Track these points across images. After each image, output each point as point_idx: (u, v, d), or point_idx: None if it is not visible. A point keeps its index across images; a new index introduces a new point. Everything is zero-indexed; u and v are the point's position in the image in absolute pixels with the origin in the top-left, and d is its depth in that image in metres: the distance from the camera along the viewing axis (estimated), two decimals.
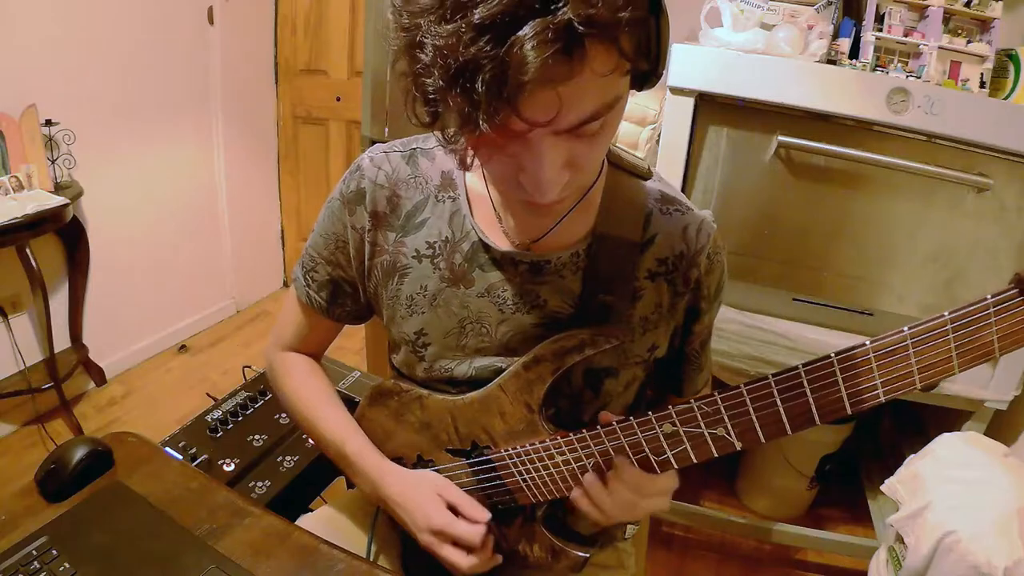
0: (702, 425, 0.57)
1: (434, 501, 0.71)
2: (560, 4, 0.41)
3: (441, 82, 0.44)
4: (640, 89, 0.53)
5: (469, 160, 0.55)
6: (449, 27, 0.42)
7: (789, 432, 0.55)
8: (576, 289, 0.68)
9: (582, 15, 0.41)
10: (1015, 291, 0.45)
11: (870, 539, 1.66)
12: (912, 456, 1.30)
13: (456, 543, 0.70)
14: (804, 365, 0.52)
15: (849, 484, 1.95)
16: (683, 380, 0.79)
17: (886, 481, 1.30)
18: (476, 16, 0.41)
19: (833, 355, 0.51)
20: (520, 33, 0.41)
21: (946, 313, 0.47)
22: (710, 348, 0.80)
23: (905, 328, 0.48)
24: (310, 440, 1.15)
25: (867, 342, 0.50)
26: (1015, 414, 1.40)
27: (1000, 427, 1.42)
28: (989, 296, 0.46)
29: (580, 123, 0.48)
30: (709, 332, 0.78)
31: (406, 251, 0.70)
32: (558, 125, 0.47)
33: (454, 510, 0.71)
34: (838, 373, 0.51)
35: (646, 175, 0.70)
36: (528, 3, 0.41)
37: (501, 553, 0.77)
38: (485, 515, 0.71)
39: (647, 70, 0.50)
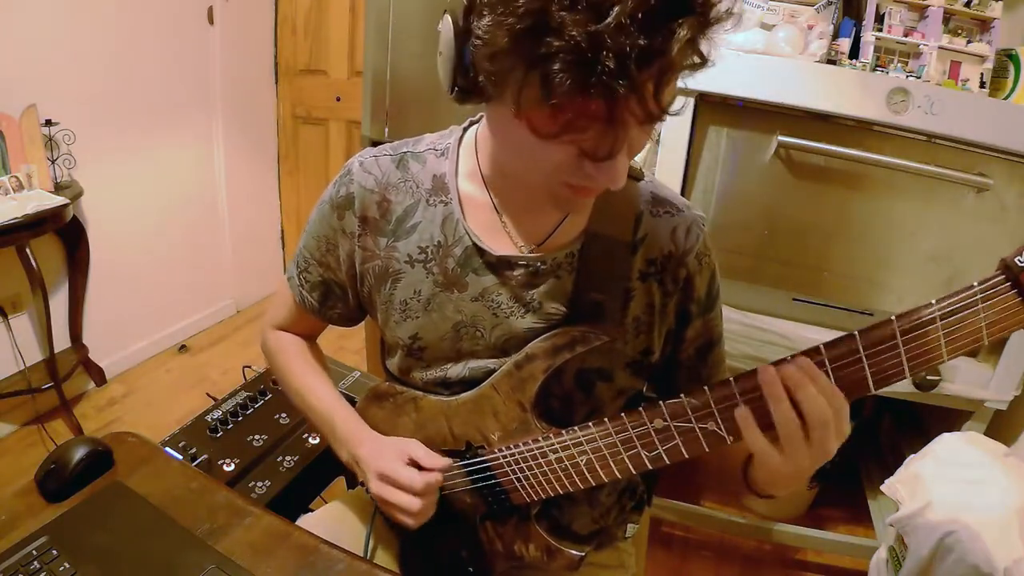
0: (692, 420, 0.57)
1: (394, 453, 0.71)
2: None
3: (577, 69, 0.43)
4: None
5: (606, 151, 0.50)
6: (593, 13, 0.42)
7: None
8: (570, 289, 0.68)
9: (721, 12, 0.45)
10: (1001, 277, 0.45)
11: (870, 539, 1.66)
12: (912, 456, 1.30)
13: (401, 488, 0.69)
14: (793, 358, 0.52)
15: (849, 484, 1.95)
16: (680, 391, 0.77)
17: (886, 481, 1.30)
18: (623, 5, 0.42)
19: (822, 346, 0.51)
20: (677, 27, 0.43)
21: (934, 301, 0.47)
22: (721, 359, 0.76)
23: (894, 318, 0.48)
24: (310, 440, 1.16)
25: (856, 333, 0.49)
26: (1015, 414, 1.39)
27: (1000, 427, 1.42)
28: (976, 283, 0.46)
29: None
30: (709, 341, 0.75)
31: (398, 256, 0.70)
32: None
33: (417, 466, 0.71)
34: (827, 363, 0.51)
35: (638, 175, 0.70)
36: None
37: (497, 553, 0.77)
38: (442, 463, 0.70)
39: None
